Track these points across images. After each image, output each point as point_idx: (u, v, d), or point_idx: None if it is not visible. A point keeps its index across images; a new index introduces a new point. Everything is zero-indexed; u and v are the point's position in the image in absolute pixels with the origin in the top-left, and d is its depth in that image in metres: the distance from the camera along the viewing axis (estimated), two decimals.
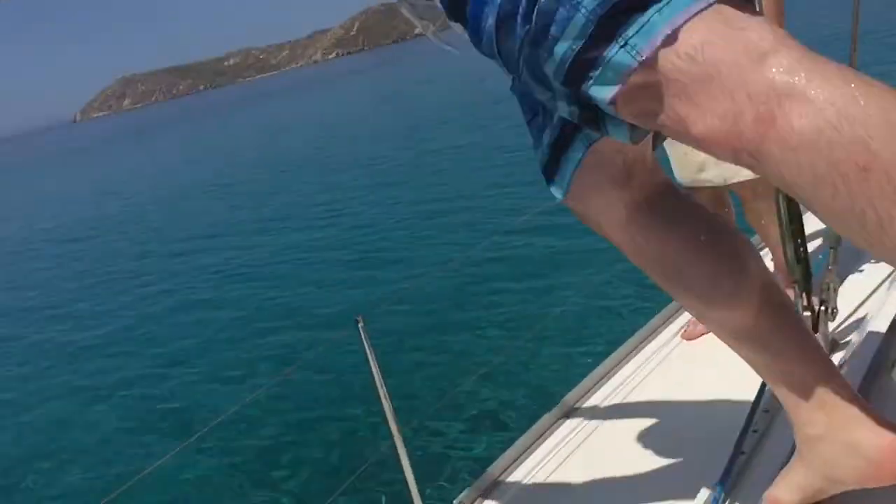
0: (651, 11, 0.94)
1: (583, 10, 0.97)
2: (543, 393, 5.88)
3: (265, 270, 10.90)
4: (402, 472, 2.64)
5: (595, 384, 3.13)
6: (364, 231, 11.67)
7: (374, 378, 2.54)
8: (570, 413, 3.08)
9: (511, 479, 2.83)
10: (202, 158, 33.47)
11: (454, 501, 2.74)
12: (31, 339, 10.78)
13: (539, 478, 2.77)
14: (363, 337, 2.52)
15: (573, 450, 2.86)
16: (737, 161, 0.94)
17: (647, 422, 2.69)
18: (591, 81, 1.00)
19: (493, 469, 2.88)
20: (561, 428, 3.03)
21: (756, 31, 0.91)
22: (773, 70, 0.88)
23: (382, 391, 2.56)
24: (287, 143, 28.99)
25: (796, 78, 0.87)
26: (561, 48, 1.00)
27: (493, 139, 17.15)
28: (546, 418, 3.06)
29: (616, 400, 3.02)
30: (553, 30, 1.00)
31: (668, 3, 0.94)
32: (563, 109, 1.11)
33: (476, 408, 5.83)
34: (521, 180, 12.01)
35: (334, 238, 11.82)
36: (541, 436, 3.03)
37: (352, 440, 5.82)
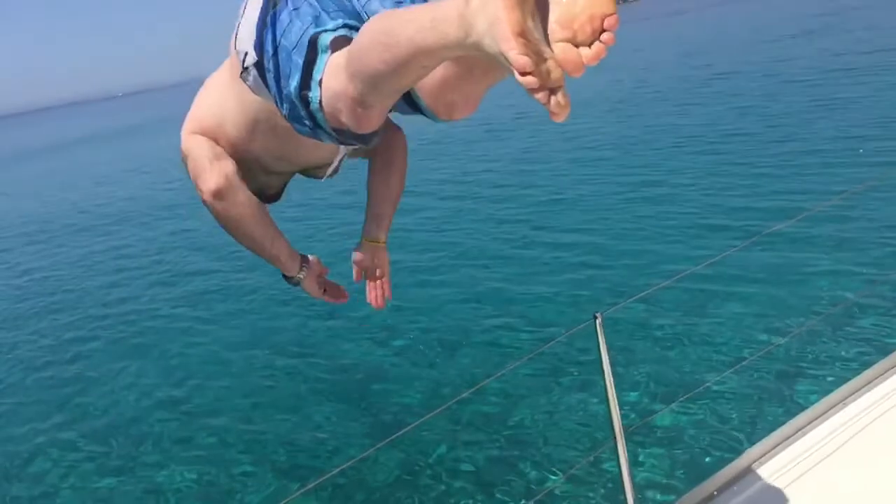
0: (319, 63, 1.72)
1: (295, 78, 1.75)
2: (775, 407, 5.62)
3: (514, 248, 11.13)
4: (619, 470, 2.69)
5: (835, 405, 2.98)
6: (626, 219, 11.45)
7: (604, 375, 2.61)
8: (802, 434, 2.95)
9: (731, 493, 2.79)
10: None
11: None
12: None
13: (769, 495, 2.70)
14: (599, 333, 2.59)
15: (802, 473, 2.76)
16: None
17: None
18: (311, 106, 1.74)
19: (711, 482, 2.85)
20: (792, 448, 2.92)
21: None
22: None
23: (611, 390, 2.62)
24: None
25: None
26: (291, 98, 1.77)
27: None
28: (776, 435, 2.96)
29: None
30: (286, 91, 1.78)
31: (322, 56, 1.72)
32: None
33: (704, 417, 5.65)
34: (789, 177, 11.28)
35: (595, 222, 11.70)
36: (769, 451, 2.93)
37: (572, 434, 5.88)
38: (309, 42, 1.79)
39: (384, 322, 8.57)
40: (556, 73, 1.34)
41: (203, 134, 2.09)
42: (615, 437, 2.67)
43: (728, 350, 6.66)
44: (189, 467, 6.28)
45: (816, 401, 3.13)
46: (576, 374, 6.69)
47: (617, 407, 2.65)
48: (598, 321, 2.59)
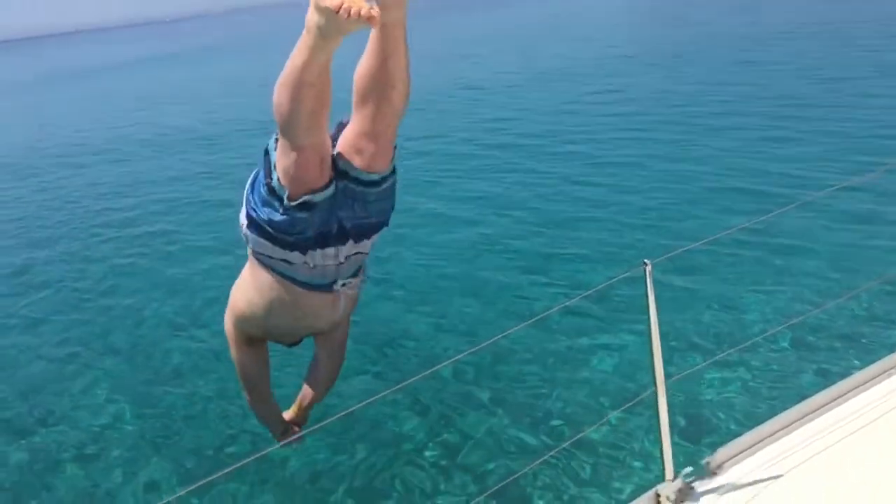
0: (272, 156, 2.58)
1: (261, 178, 2.63)
2: (821, 369, 5.58)
3: (571, 188, 11.07)
4: (657, 420, 2.69)
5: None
6: (685, 168, 11.26)
7: (650, 324, 2.58)
8: (843, 400, 2.92)
9: (764, 452, 2.78)
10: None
11: (703, 461, 2.75)
12: None
13: (797, 458, 2.68)
14: (648, 281, 2.56)
15: (840, 439, 2.73)
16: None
17: None
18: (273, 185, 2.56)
19: (749, 437, 2.84)
20: (833, 413, 2.89)
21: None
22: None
23: (655, 340, 2.60)
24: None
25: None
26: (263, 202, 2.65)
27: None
28: (817, 398, 2.92)
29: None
30: (261, 199, 2.67)
31: (272, 150, 2.57)
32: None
33: (747, 373, 5.61)
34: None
35: (655, 169, 11.54)
36: (805, 416, 2.91)
37: (613, 380, 5.91)
38: (265, 151, 2.64)
39: (430, 269, 8.66)
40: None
41: (236, 316, 3.14)
42: (656, 387, 2.67)
43: (778, 308, 6.58)
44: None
45: (863, 367, 3.08)
46: (621, 321, 6.70)
47: (660, 357, 2.63)
48: (647, 269, 2.56)
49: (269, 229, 2.63)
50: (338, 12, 2.09)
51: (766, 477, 2.66)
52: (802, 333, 6.01)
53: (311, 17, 2.19)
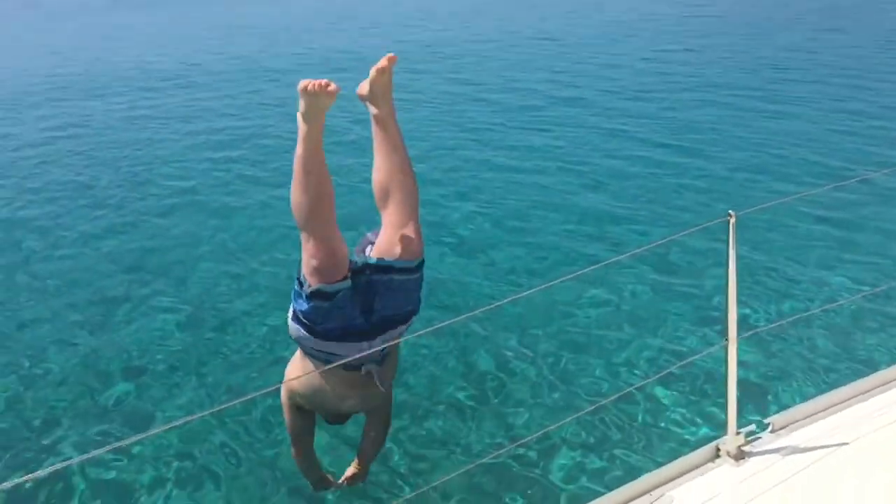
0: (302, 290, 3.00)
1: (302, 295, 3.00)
2: (888, 347, 5.44)
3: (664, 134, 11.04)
4: (725, 374, 2.67)
5: None
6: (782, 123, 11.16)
7: (728, 276, 2.56)
8: None
9: (830, 420, 2.75)
10: None
11: (766, 419, 2.74)
12: None
13: (863, 428, 2.66)
14: (731, 233, 2.53)
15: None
16: None
17: None
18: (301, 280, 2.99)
19: (816, 402, 2.81)
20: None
21: None
22: None
23: (732, 292, 2.58)
24: None
25: None
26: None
27: None
28: (889, 372, 2.88)
29: None
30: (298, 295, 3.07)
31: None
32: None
33: (823, 337, 5.51)
34: None
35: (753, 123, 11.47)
36: (875, 388, 2.87)
37: (686, 329, 5.87)
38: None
39: (509, 210, 8.68)
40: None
41: (290, 395, 3.53)
42: (727, 341, 2.64)
43: (857, 278, 6.45)
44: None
45: None
46: (698, 273, 6.68)
47: (735, 311, 2.61)
48: (731, 221, 2.52)
49: (303, 319, 3.04)
50: (307, 89, 2.76)
51: (828, 443, 2.63)
52: (878, 305, 5.88)
53: (298, 110, 2.86)
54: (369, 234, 3.25)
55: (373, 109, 3.15)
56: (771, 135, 11.04)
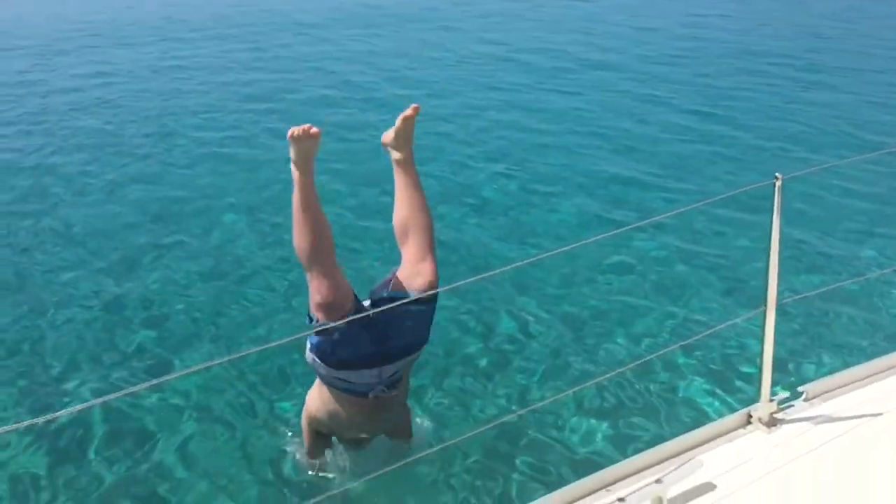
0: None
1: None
2: None
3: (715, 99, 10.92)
4: (762, 340, 2.59)
5: None
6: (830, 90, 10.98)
7: (771, 240, 2.46)
8: None
9: (865, 390, 2.68)
10: None
11: (800, 388, 2.67)
12: None
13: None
14: (776, 196, 2.43)
15: None
16: None
17: None
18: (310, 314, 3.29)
19: (851, 372, 2.74)
20: None
21: None
22: None
23: (774, 257, 2.48)
24: None
25: None
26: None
27: None
28: None
29: None
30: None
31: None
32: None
33: (856, 309, 5.42)
34: None
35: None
36: None
37: (724, 292, 5.81)
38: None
39: (535, 174, 8.59)
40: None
41: (308, 417, 3.78)
42: (766, 306, 2.56)
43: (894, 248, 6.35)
44: None
45: None
46: (740, 235, 6.62)
47: (776, 276, 2.52)
48: (777, 183, 2.43)
49: (316, 350, 3.30)
50: (293, 135, 3.07)
51: (862, 413, 2.56)
52: None
53: (291, 159, 3.19)
54: (394, 270, 3.48)
55: (395, 154, 3.50)
56: (806, 105, 10.83)
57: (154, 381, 1.89)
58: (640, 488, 2.21)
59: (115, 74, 14.24)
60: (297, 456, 4.17)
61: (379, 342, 3.27)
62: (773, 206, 2.43)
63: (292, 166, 3.18)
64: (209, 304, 5.99)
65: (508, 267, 2.99)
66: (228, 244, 7.02)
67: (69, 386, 5.02)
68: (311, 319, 3.27)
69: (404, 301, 3.04)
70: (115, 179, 8.72)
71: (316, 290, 3.17)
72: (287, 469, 4.16)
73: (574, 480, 2.30)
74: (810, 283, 5.84)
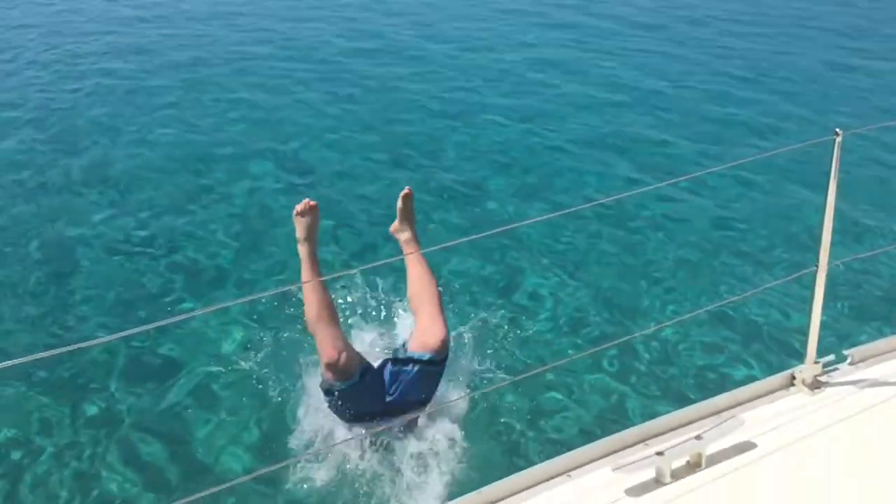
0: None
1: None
2: None
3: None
4: (811, 300, 2.54)
5: None
6: None
7: (827, 198, 2.39)
8: None
9: None
10: None
11: (845, 351, 2.62)
12: None
13: None
14: (835, 152, 2.36)
15: None
16: None
17: None
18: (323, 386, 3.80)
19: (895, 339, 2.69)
20: None
21: None
22: None
23: (829, 214, 2.42)
24: None
25: None
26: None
27: None
28: None
29: None
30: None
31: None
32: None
33: None
34: None
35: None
36: None
37: (775, 250, 5.73)
38: None
39: (572, 135, 8.48)
40: None
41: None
42: (818, 266, 2.50)
43: None
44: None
45: None
46: (795, 192, 6.49)
47: (830, 234, 2.46)
48: (837, 139, 2.35)
49: (328, 402, 3.76)
50: (298, 212, 3.72)
51: None
52: None
53: (297, 238, 3.78)
54: (411, 332, 3.97)
55: (402, 236, 4.16)
56: (847, 71, 10.51)
57: (176, 318, 1.88)
58: (679, 444, 2.18)
59: (150, 21, 14.16)
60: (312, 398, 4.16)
61: (386, 398, 3.72)
62: (831, 162, 2.35)
63: (298, 245, 3.77)
64: (235, 248, 6.03)
65: (533, 220, 2.92)
66: (256, 192, 7.03)
67: (94, 322, 5.07)
68: (322, 378, 3.72)
69: (423, 361, 3.65)
70: (146, 124, 8.71)
71: (322, 352, 3.60)
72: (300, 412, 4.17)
73: (611, 434, 2.28)
74: (860, 247, 5.72)
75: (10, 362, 1.61)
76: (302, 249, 3.78)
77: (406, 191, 4.08)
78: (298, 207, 3.72)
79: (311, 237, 3.76)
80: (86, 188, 7.10)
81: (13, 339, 4.88)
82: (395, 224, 4.17)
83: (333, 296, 4.02)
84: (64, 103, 9.44)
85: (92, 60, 11.34)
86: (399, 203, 4.07)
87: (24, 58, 11.18)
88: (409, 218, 4.12)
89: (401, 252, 4.18)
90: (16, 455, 3.99)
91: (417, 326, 3.92)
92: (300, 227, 3.74)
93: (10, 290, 5.43)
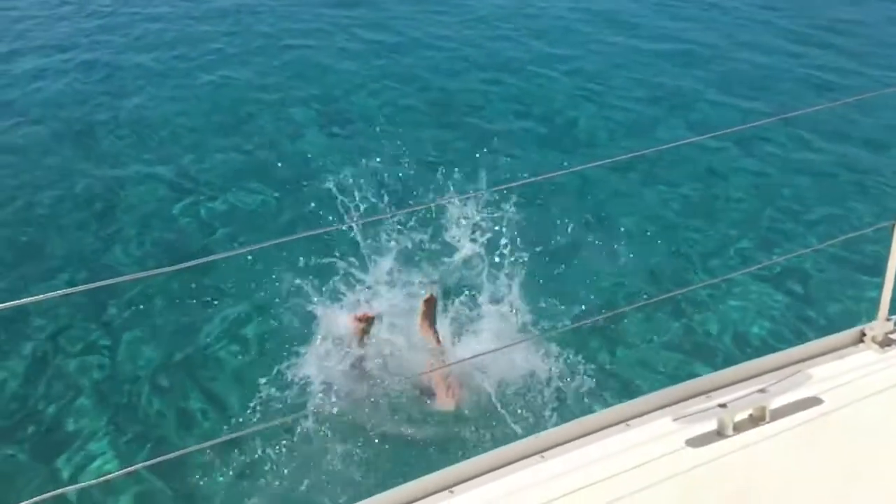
0: None
1: None
2: None
3: None
4: (888, 254, 2.43)
5: None
6: None
7: None
8: None
9: None
10: None
11: None
12: None
13: None
14: None
15: None
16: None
17: None
18: None
19: None
20: None
21: None
22: None
23: None
24: None
25: None
26: None
27: None
28: None
29: None
30: None
31: None
32: None
33: None
34: None
35: None
36: None
37: (853, 202, 5.58)
38: None
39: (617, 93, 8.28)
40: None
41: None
42: None
43: None
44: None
45: None
46: (876, 142, 6.35)
47: None
48: None
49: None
50: (357, 319, 4.03)
51: None
52: None
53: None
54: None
55: (431, 345, 4.18)
56: None
57: (206, 259, 1.86)
58: (743, 397, 2.12)
59: None
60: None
61: None
62: None
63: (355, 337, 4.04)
64: (272, 194, 6.06)
65: (606, 160, 2.83)
66: (298, 139, 7.03)
67: (135, 256, 5.20)
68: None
69: None
70: (191, 70, 8.70)
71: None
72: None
73: (673, 384, 2.23)
74: None
75: (46, 295, 1.61)
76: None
77: (427, 295, 4.10)
78: (355, 316, 4.00)
79: (360, 342, 4.03)
80: (131, 131, 7.16)
81: (56, 272, 4.99)
82: (419, 324, 4.15)
83: (371, 241, 4.18)
84: (111, 48, 9.46)
85: (140, 6, 11.32)
86: (421, 306, 4.09)
87: (72, 3, 11.19)
88: (432, 320, 4.15)
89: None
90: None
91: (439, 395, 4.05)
92: (357, 333, 4.00)
93: (55, 226, 5.55)
